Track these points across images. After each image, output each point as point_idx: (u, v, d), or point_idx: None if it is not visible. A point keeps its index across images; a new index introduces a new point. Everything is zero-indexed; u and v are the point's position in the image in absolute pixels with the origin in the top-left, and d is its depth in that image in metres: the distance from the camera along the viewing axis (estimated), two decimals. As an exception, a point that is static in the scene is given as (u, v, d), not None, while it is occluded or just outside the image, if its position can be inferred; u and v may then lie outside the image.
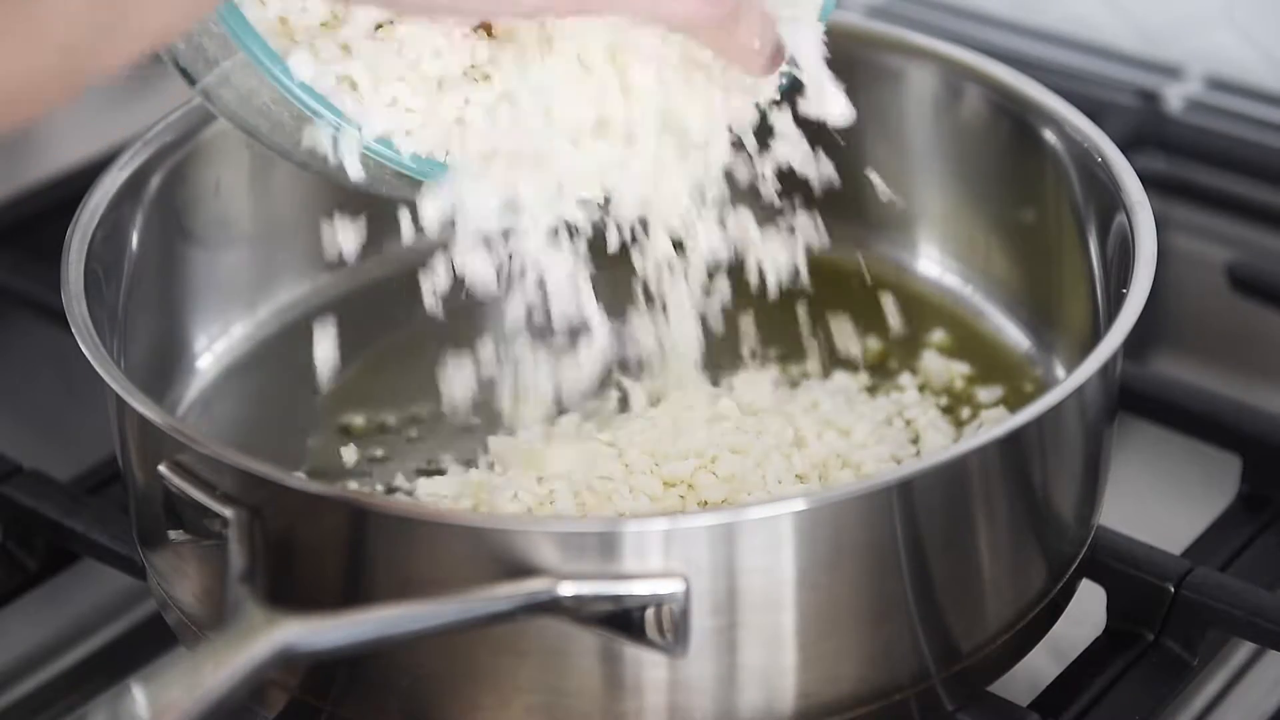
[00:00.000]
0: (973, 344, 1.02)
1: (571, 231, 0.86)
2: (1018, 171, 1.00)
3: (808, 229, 0.93)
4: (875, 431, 0.93)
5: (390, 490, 0.94)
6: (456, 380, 0.93)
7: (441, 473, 0.94)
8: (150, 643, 0.97)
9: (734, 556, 0.77)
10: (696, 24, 0.80)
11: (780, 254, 0.92)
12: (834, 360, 1.00)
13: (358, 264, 1.05)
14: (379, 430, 0.98)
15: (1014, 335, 1.02)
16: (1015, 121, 0.99)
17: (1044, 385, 0.99)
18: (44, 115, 0.64)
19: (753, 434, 0.91)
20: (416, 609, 0.76)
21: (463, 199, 0.82)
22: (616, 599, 0.76)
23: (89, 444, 1.02)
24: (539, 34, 0.82)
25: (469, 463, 0.94)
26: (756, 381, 0.96)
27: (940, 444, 0.94)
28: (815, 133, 0.90)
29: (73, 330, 0.84)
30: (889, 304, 1.02)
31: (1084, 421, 0.85)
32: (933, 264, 1.06)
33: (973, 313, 1.04)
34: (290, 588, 0.79)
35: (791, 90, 0.86)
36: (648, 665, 0.78)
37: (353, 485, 0.94)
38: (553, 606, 0.75)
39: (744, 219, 0.91)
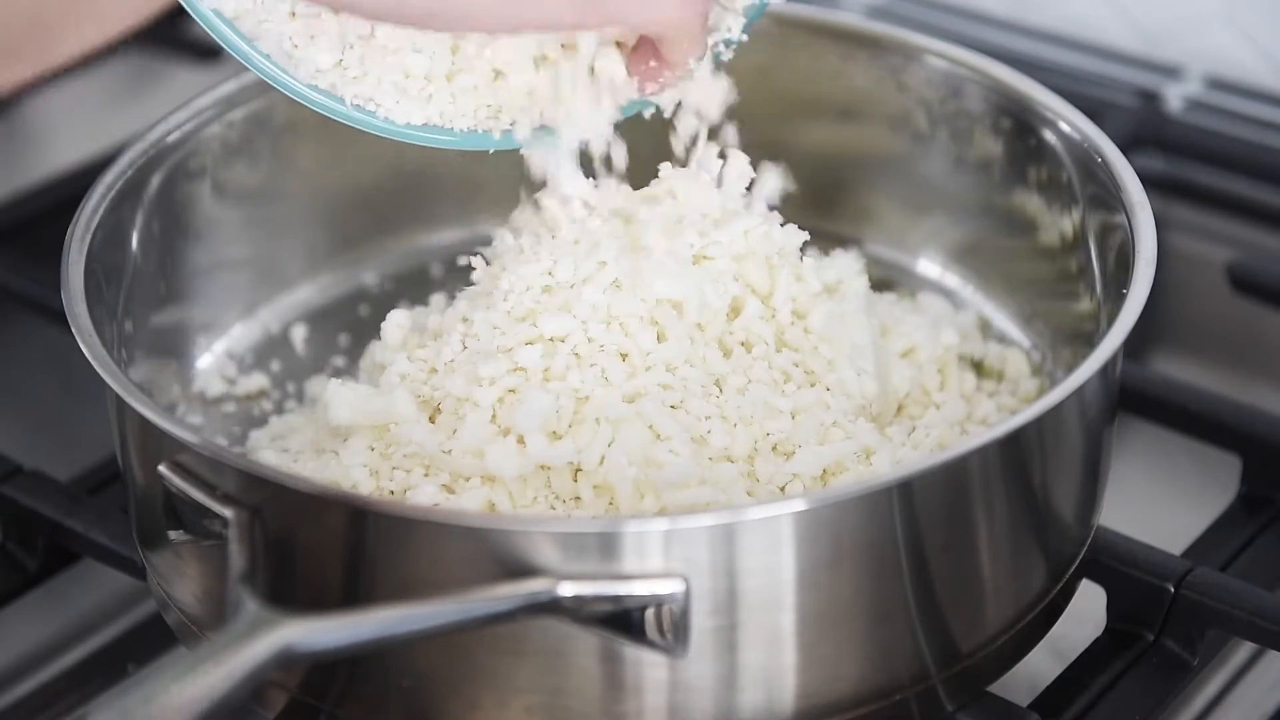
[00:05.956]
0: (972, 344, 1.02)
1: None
2: (1018, 172, 1.00)
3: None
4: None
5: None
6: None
7: None
8: (150, 643, 0.97)
9: (734, 557, 0.77)
10: (678, 26, 0.82)
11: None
12: None
13: (358, 264, 1.06)
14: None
15: (1014, 335, 1.02)
16: (1015, 121, 0.99)
17: (1044, 385, 0.99)
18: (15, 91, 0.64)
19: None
20: (416, 609, 0.75)
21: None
22: (616, 599, 0.76)
23: (89, 444, 1.02)
24: None
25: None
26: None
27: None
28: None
29: (73, 330, 0.84)
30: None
31: (1084, 421, 0.85)
32: (933, 264, 1.06)
33: (973, 313, 1.03)
34: (290, 588, 0.79)
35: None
36: (648, 665, 0.78)
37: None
38: (553, 607, 0.75)
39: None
